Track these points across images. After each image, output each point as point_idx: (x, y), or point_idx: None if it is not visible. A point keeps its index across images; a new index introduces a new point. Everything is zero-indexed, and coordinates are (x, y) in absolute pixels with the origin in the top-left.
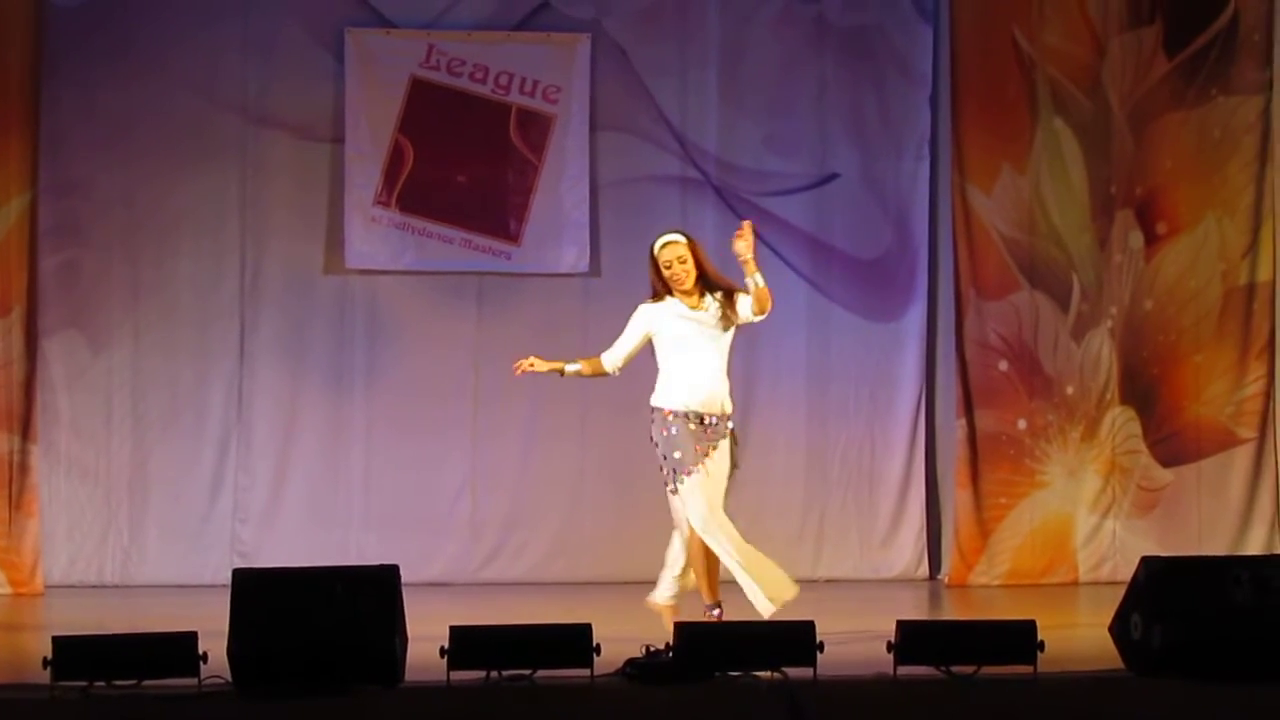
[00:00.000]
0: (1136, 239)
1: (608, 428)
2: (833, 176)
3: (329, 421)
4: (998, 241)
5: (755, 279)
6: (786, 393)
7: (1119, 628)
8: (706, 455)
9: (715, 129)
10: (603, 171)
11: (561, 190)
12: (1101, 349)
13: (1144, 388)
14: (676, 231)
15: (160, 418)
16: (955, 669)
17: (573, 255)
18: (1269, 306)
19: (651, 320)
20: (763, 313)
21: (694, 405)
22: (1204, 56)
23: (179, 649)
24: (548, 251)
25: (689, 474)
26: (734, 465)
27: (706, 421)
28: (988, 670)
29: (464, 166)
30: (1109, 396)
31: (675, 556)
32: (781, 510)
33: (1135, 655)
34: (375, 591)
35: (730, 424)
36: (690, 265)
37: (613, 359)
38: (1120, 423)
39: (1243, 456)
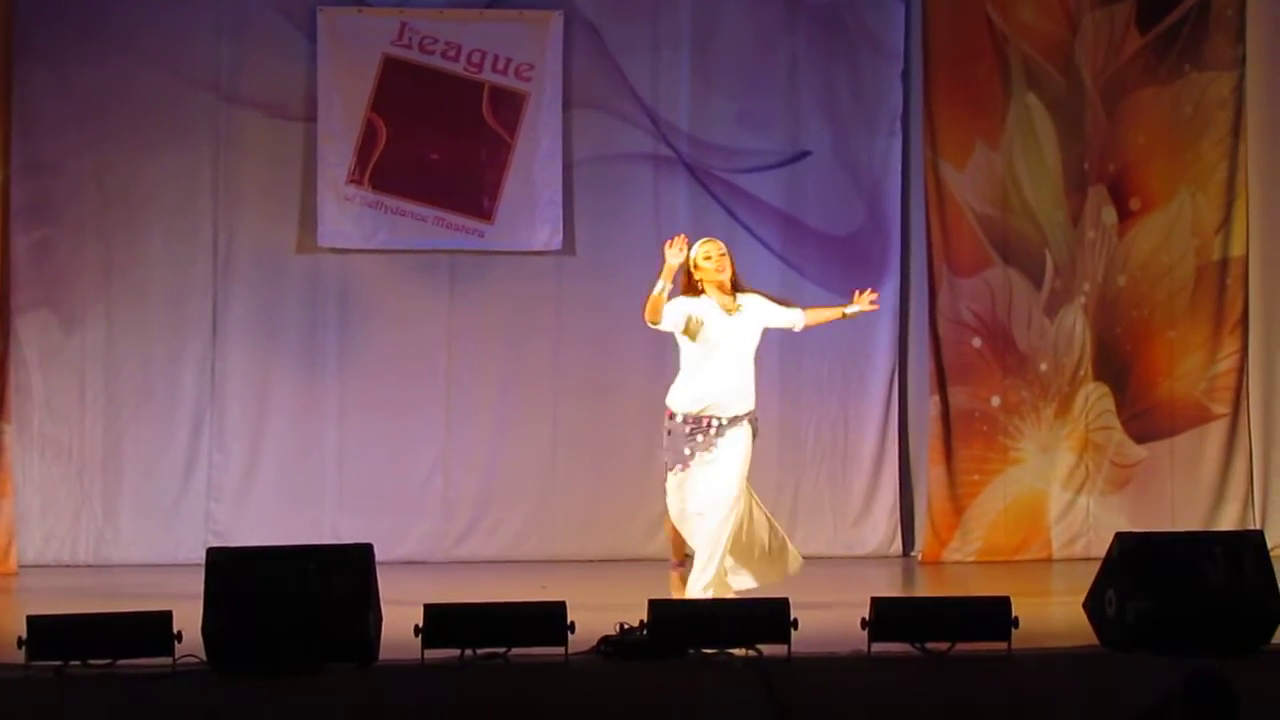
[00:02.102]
0: (1110, 215)
1: (580, 407)
2: (805, 153)
3: (302, 400)
4: (971, 218)
5: (834, 312)
6: (760, 370)
7: (1093, 604)
8: (693, 457)
9: (688, 106)
10: (576, 149)
11: (534, 168)
12: (1075, 325)
13: (1117, 364)
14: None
15: (133, 397)
16: (930, 646)
17: (546, 233)
18: (1242, 282)
19: (693, 309)
20: (801, 328)
21: (697, 409)
22: (1176, 32)
23: (153, 628)
24: (521, 229)
25: (670, 470)
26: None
27: (710, 425)
28: (962, 647)
29: (437, 145)
30: (1082, 373)
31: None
32: (755, 487)
33: (1109, 631)
34: (349, 570)
35: (748, 420)
36: (729, 259)
37: (665, 315)
38: (1094, 399)
39: (1216, 432)
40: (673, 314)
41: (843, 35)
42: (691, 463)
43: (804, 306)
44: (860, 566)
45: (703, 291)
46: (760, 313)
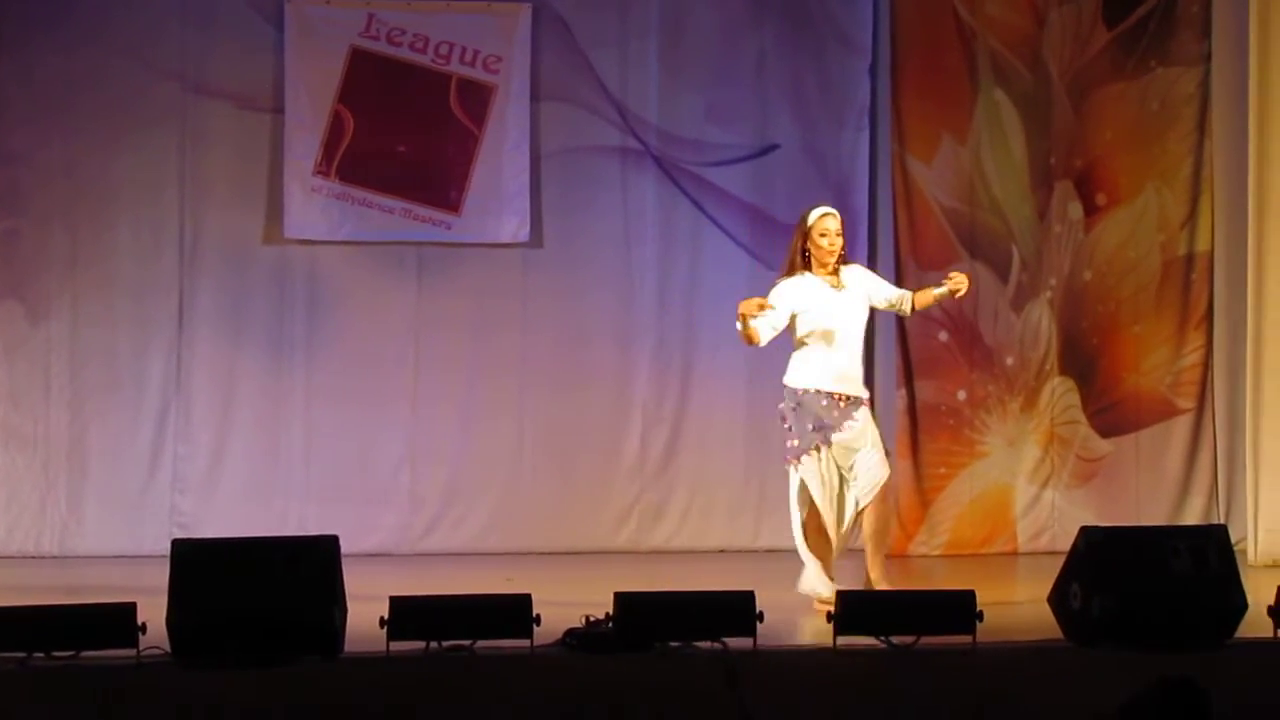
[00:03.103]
0: (1076, 210)
1: (547, 399)
2: (773, 147)
3: (268, 392)
4: (937, 212)
5: (935, 292)
6: (727, 362)
7: (1058, 598)
8: (826, 442)
9: (655, 99)
10: (544, 142)
11: (502, 160)
12: (1041, 320)
13: (1083, 358)
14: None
15: (99, 388)
16: (895, 639)
17: (513, 225)
18: (1207, 277)
19: (797, 296)
20: (904, 313)
21: (829, 386)
22: (1143, 28)
23: (117, 620)
24: (488, 221)
25: (799, 460)
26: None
27: (841, 401)
28: (927, 640)
29: (404, 136)
30: (1048, 367)
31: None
32: (722, 479)
33: (1074, 625)
34: (315, 562)
35: (867, 404)
36: (843, 240)
37: (768, 334)
38: (1059, 393)
39: (1181, 427)
40: (774, 318)
41: (810, 29)
42: (823, 447)
43: (917, 301)
44: None
45: (807, 267)
46: (867, 286)
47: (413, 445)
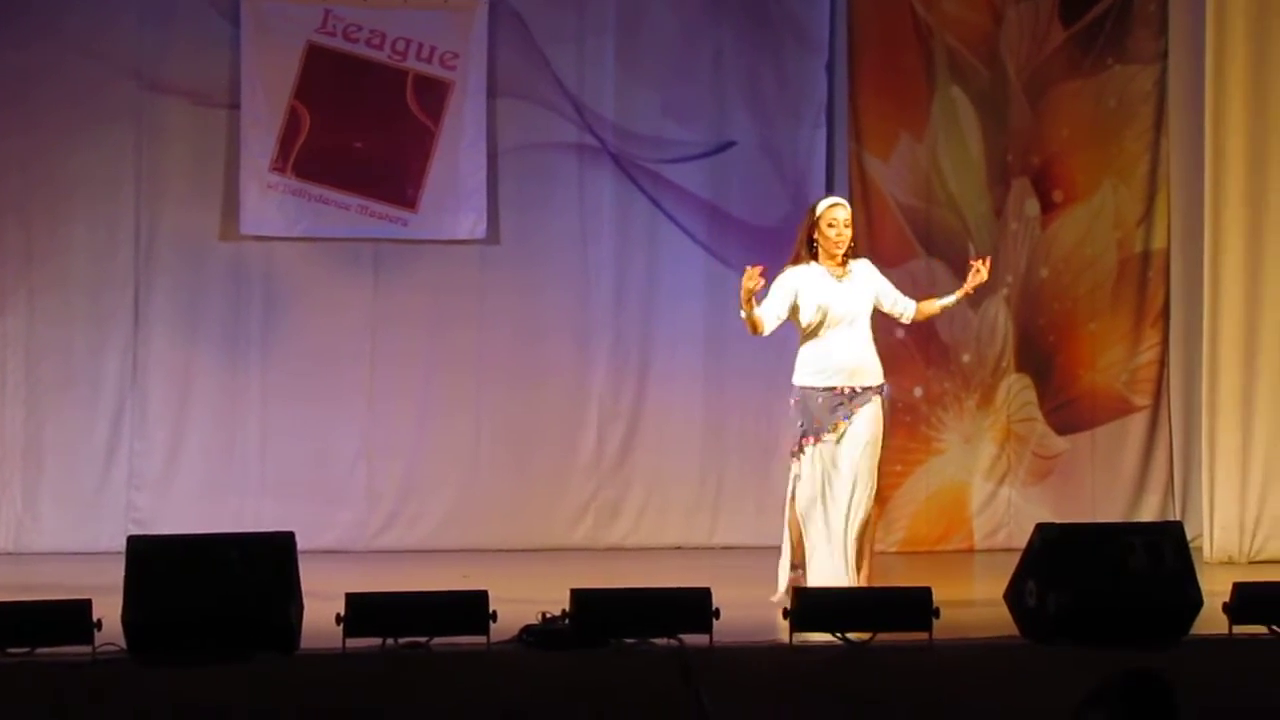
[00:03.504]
0: (1033, 207)
1: (504, 395)
2: (730, 144)
3: (224, 388)
4: (895, 209)
5: (949, 299)
6: (684, 360)
7: (1014, 595)
8: (822, 437)
9: (613, 96)
10: (500, 138)
11: (458, 157)
12: (998, 317)
13: (1040, 355)
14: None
15: (55, 385)
16: (851, 636)
17: (470, 222)
18: (1164, 274)
19: (800, 284)
20: (910, 320)
21: (828, 381)
22: (1100, 26)
23: (73, 617)
24: (445, 218)
25: (798, 452)
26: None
27: (842, 393)
28: (883, 637)
29: (360, 133)
30: (1005, 364)
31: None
32: (678, 477)
33: (1030, 622)
34: (271, 558)
35: (876, 393)
36: (852, 232)
37: (772, 323)
38: (1016, 390)
39: (1137, 424)
40: (776, 306)
41: (768, 26)
42: (825, 436)
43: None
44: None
45: (814, 258)
46: (871, 280)
47: (369, 441)
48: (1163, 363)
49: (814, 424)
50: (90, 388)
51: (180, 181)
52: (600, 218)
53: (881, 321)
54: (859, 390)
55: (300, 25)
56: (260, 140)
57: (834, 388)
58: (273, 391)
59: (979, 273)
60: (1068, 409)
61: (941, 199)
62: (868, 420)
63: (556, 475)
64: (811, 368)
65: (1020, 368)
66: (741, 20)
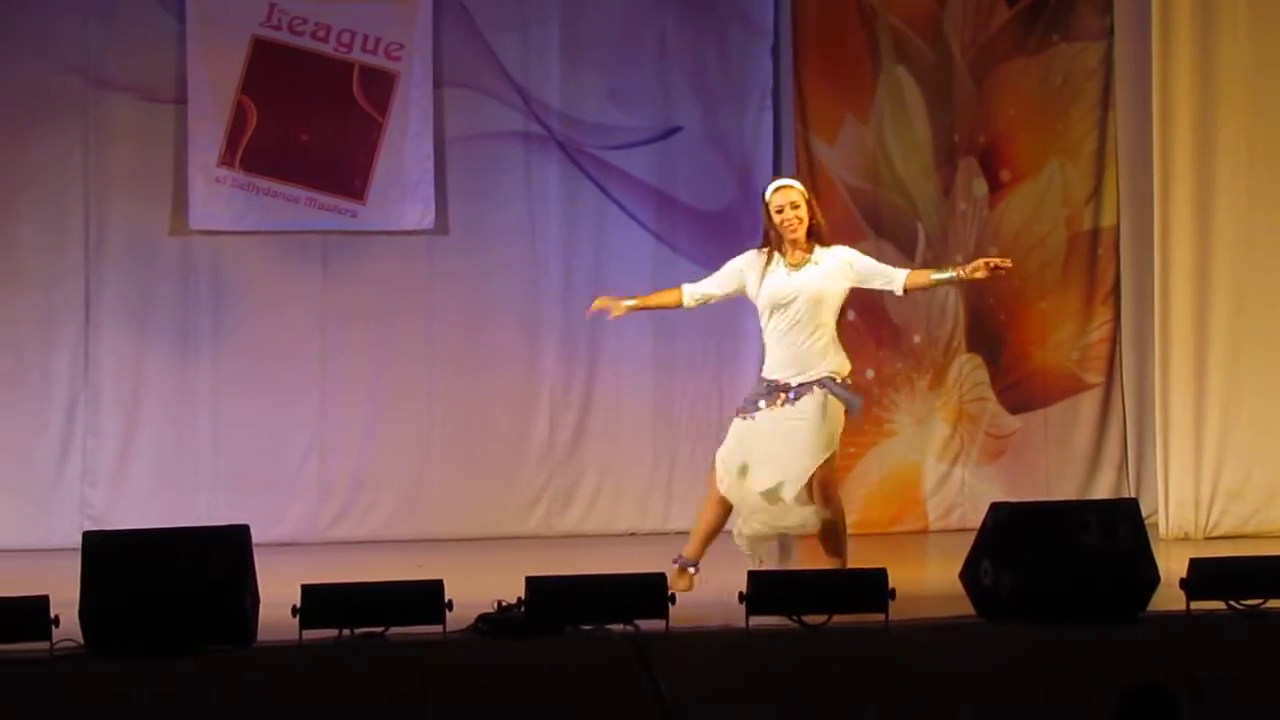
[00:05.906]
0: (980, 186)
1: (455, 386)
2: (676, 130)
3: (176, 383)
4: (842, 191)
5: (945, 275)
6: (633, 346)
7: (969, 574)
8: (759, 408)
9: (558, 84)
10: (447, 128)
11: (405, 148)
12: (948, 297)
13: (991, 335)
14: (792, 179)
15: (6, 381)
16: (807, 619)
17: (418, 212)
18: (1113, 252)
19: (746, 268)
20: (902, 292)
21: (770, 374)
22: (1044, 4)
23: (30, 613)
24: (393, 209)
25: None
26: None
27: (783, 389)
28: (839, 619)
29: (307, 125)
30: (956, 344)
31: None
32: (630, 463)
33: (985, 601)
34: (226, 552)
35: (826, 383)
36: (803, 212)
37: (692, 291)
38: (967, 370)
39: (1090, 402)
40: (709, 284)
41: (712, 11)
42: (757, 414)
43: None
44: None
45: (778, 246)
46: (842, 270)
47: (321, 433)
48: (1114, 340)
49: (752, 403)
50: (42, 384)
51: (128, 177)
52: (548, 205)
53: None
54: (795, 386)
55: (245, 19)
56: (207, 134)
57: (774, 380)
58: (224, 385)
59: (984, 269)
60: (1020, 388)
61: (888, 180)
62: (806, 406)
63: (509, 463)
64: (768, 359)
65: (971, 347)
66: (685, 5)
